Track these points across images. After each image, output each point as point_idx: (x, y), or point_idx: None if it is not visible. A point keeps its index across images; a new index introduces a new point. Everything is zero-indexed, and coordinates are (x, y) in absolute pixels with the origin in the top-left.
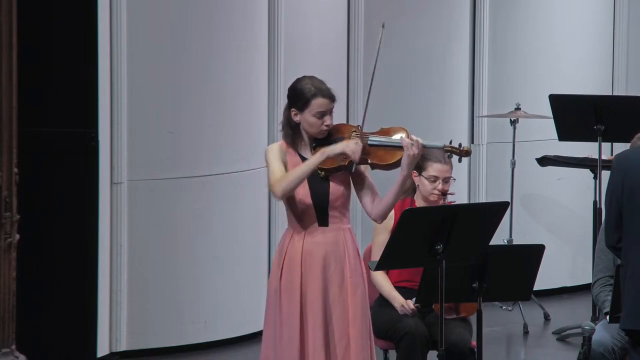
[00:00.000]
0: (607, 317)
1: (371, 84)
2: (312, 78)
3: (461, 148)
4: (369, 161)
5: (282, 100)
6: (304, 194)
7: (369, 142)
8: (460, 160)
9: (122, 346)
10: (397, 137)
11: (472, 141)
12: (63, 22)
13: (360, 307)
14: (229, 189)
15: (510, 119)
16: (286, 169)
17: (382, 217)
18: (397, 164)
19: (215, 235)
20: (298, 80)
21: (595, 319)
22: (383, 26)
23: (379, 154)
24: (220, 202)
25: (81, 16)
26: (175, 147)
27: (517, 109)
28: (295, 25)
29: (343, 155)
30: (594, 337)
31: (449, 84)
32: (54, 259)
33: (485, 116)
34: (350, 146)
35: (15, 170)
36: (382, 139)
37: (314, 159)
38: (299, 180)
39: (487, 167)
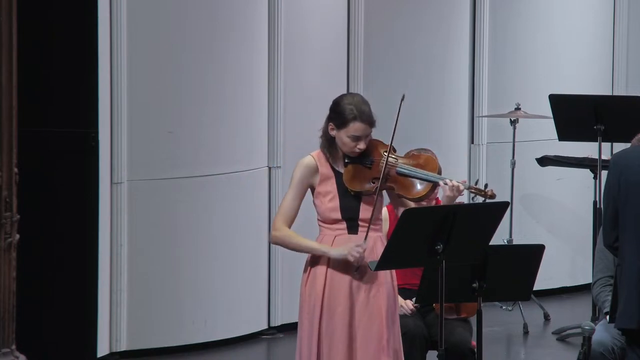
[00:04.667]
0: (607, 317)
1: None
2: (355, 97)
3: (486, 191)
4: (395, 191)
5: (282, 101)
6: (333, 206)
7: (397, 171)
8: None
9: (122, 346)
10: (425, 167)
11: (472, 141)
12: (63, 22)
13: (393, 313)
14: (229, 189)
15: (510, 119)
16: (313, 188)
17: None
18: (423, 199)
19: (215, 235)
20: (342, 97)
21: (595, 319)
22: (403, 98)
23: (406, 185)
24: (220, 202)
25: (81, 16)
26: (175, 147)
27: (517, 109)
28: (295, 25)
29: (345, 259)
30: (594, 337)
31: (449, 84)
32: (54, 259)
33: (485, 116)
34: (353, 253)
35: (15, 170)
36: (413, 170)
37: (316, 249)
38: (292, 249)
39: (487, 167)
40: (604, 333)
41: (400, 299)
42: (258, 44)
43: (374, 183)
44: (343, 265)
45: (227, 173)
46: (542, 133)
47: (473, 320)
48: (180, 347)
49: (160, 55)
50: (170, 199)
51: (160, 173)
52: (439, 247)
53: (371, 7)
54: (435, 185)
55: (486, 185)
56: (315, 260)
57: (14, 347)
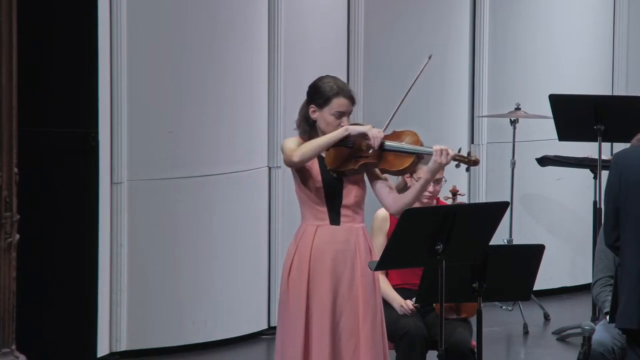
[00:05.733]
0: (607, 317)
1: (402, 100)
2: (334, 77)
3: (469, 157)
4: (378, 166)
5: (282, 101)
6: (316, 192)
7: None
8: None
9: (122, 346)
10: (407, 141)
11: (472, 141)
12: (63, 22)
13: (372, 306)
14: (229, 189)
15: (510, 119)
16: (302, 167)
17: (400, 213)
18: (405, 171)
19: (215, 235)
20: (320, 78)
21: (595, 319)
22: (430, 57)
23: (389, 159)
24: (220, 202)
25: (81, 16)
26: (175, 147)
27: (517, 109)
28: (295, 25)
29: (364, 136)
30: (594, 337)
31: (449, 84)
32: (54, 259)
33: (485, 116)
34: (373, 131)
35: (15, 170)
36: (397, 145)
37: (336, 134)
38: (318, 149)
39: (487, 167)
40: (604, 333)
41: (400, 299)
42: (258, 44)
43: (356, 160)
44: (324, 259)
45: (227, 173)
46: (542, 133)
47: (473, 320)
48: (180, 347)
49: (160, 55)
50: (170, 199)
51: (160, 173)
52: (439, 247)
53: (371, 7)
54: (418, 157)
55: (469, 153)
56: (297, 256)
57: (14, 347)
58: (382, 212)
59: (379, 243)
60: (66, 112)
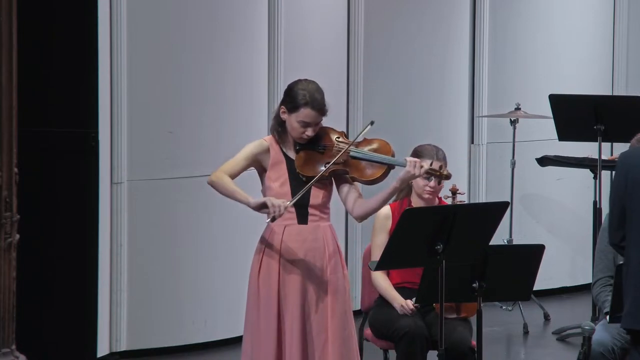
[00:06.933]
0: (607, 317)
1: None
2: (310, 84)
3: (441, 171)
4: (349, 174)
5: None
6: (284, 193)
7: (351, 154)
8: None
9: (122, 346)
10: (378, 150)
11: (472, 141)
12: (63, 22)
13: (341, 302)
14: None
15: (510, 119)
16: (263, 168)
17: (363, 218)
18: (376, 181)
19: (215, 235)
20: (297, 82)
21: (595, 319)
22: (372, 123)
23: (360, 168)
24: (220, 202)
25: (81, 16)
26: (175, 147)
27: (517, 109)
28: (295, 25)
29: (265, 207)
30: (594, 337)
31: (449, 84)
32: (54, 259)
33: (485, 116)
34: (275, 202)
35: (15, 170)
36: (367, 154)
37: (241, 199)
38: (223, 192)
39: (487, 167)
40: (604, 333)
41: (400, 299)
42: (258, 44)
43: (325, 167)
44: (294, 257)
45: None
46: (542, 133)
47: (473, 320)
48: (180, 347)
49: (160, 55)
50: (170, 199)
51: (160, 173)
52: (439, 247)
53: (371, 7)
54: (389, 167)
55: (441, 167)
56: (266, 255)
57: (14, 347)
58: (385, 210)
59: (381, 241)
60: (66, 112)
